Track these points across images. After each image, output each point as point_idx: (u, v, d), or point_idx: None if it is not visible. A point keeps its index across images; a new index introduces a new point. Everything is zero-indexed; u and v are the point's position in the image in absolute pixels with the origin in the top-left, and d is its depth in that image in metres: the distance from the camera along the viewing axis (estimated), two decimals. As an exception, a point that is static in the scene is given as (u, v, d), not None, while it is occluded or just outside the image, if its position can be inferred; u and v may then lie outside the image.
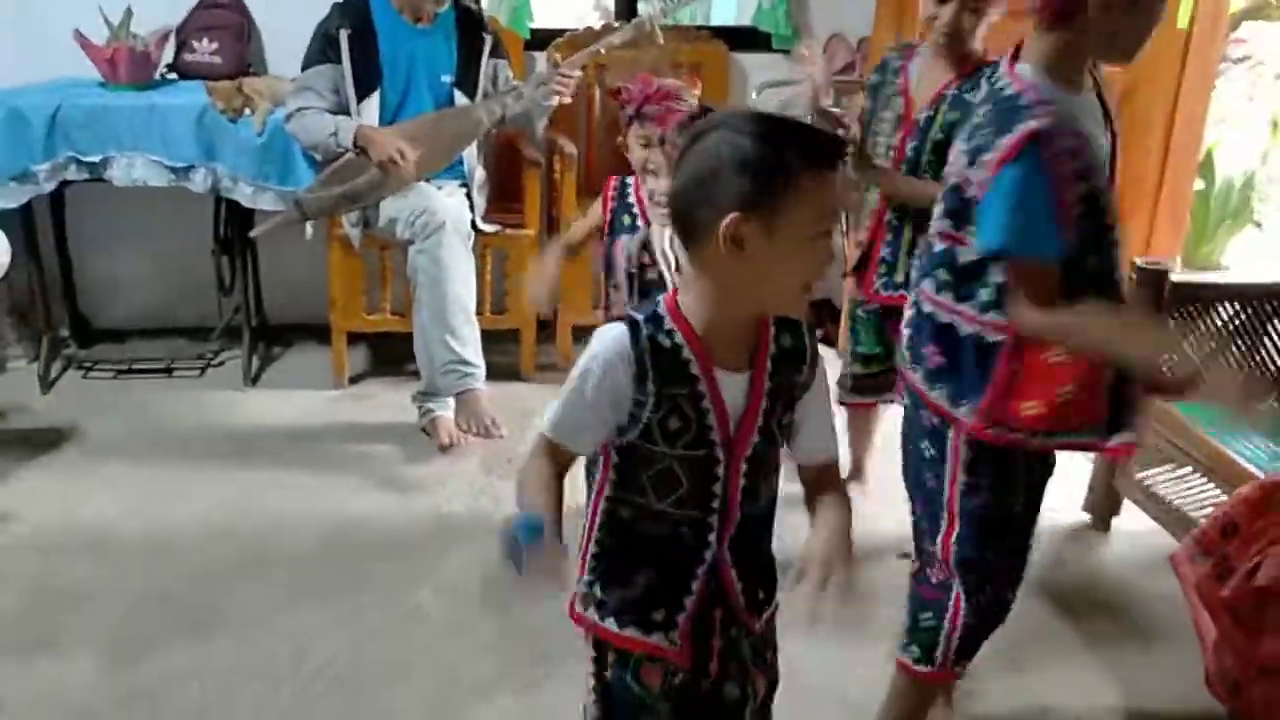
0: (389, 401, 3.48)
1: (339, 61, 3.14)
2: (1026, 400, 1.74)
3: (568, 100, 3.25)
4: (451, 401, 3.21)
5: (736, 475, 1.40)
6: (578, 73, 3.23)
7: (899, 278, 2.58)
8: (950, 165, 1.80)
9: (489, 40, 3.32)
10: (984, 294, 1.73)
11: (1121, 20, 1.66)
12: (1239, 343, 2.81)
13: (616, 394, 1.34)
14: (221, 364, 3.68)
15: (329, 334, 3.56)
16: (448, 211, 3.09)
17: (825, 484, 1.47)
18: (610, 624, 1.44)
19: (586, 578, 1.47)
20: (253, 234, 3.25)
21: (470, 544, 2.75)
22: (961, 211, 1.75)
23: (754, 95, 3.97)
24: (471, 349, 3.11)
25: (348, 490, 2.97)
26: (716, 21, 4.85)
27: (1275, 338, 2.82)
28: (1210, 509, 2.57)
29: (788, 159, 1.25)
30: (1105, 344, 1.68)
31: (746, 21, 4.09)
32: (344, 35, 3.13)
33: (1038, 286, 1.66)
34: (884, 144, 2.59)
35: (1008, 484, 1.85)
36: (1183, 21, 3.50)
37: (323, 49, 3.15)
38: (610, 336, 1.36)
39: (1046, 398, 1.73)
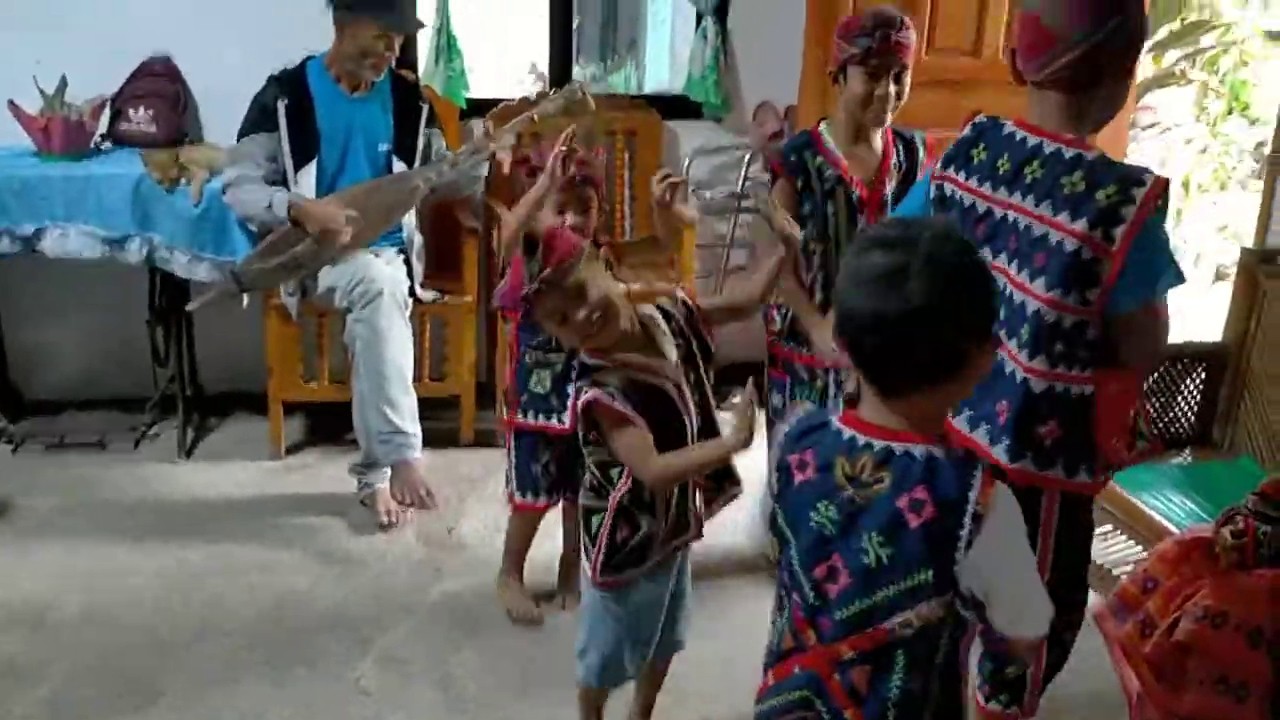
0: (327, 472, 3.47)
1: (275, 131, 3.16)
2: (1111, 437, 1.90)
3: (505, 169, 3.30)
4: (388, 474, 3.20)
5: None
6: (512, 139, 3.28)
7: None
8: (1050, 237, 1.80)
9: (425, 109, 3.37)
10: (1086, 352, 1.85)
11: (1117, 88, 1.83)
12: (1152, 401, 2.91)
13: None
14: (156, 436, 3.64)
15: (263, 404, 3.54)
16: (385, 279, 3.11)
17: None
18: None
19: None
20: (190, 308, 3.23)
21: (410, 617, 2.75)
22: (1082, 275, 1.78)
23: (686, 162, 4.06)
24: (408, 418, 3.12)
25: (288, 563, 2.95)
26: (650, 88, 4.96)
27: (1187, 395, 2.94)
28: (1131, 565, 2.67)
29: None
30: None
31: (677, 88, 4.18)
32: (281, 105, 3.15)
33: (1167, 319, 1.84)
34: (837, 235, 2.61)
35: (1089, 527, 2.11)
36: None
37: (259, 118, 3.17)
38: None
39: (1122, 428, 1.92)
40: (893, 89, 2.54)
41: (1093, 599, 2.68)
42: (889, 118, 2.60)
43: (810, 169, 2.61)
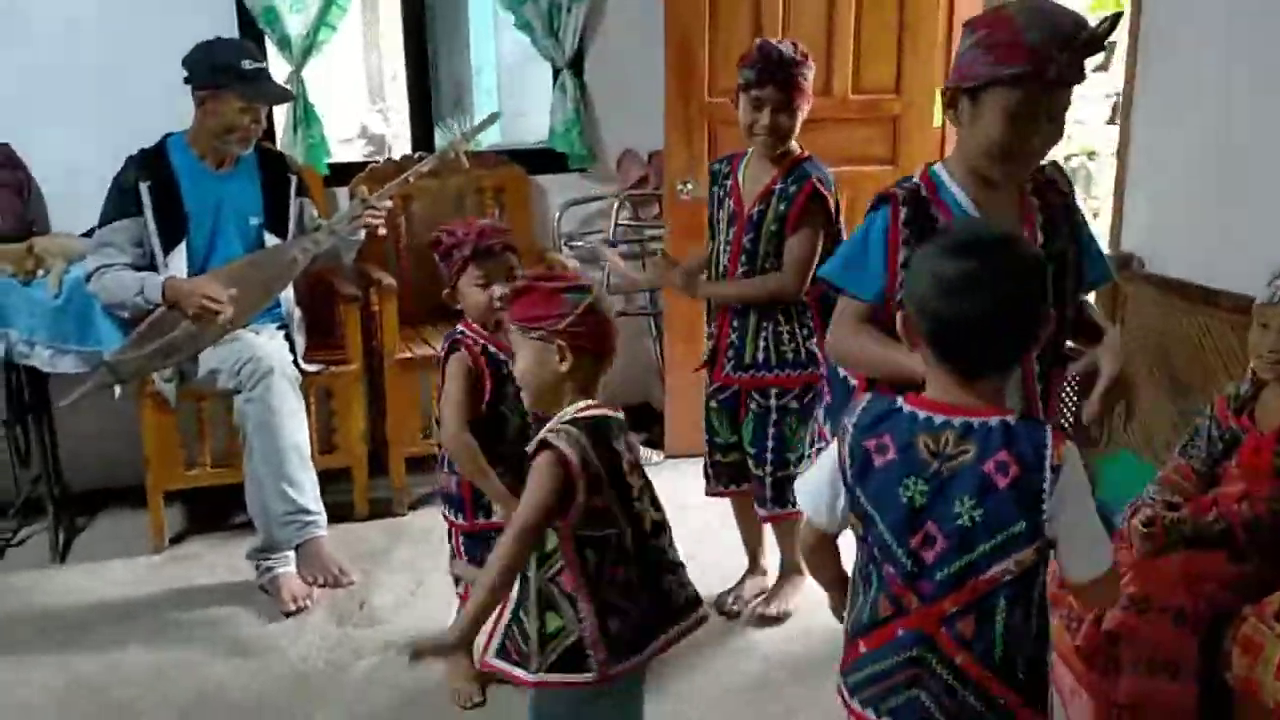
0: (217, 560, 3.31)
1: (140, 214, 3.03)
2: None
3: (383, 232, 3.25)
4: (292, 555, 3.08)
5: None
6: (388, 203, 3.24)
7: (747, 359, 2.76)
8: None
9: (294, 179, 3.29)
10: None
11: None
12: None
13: None
14: (22, 542, 3.40)
15: (139, 496, 3.36)
16: (273, 356, 3.01)
17: None
18: None
19: None
20: (64, 403, 3.03)
21: (335, 701, 2.64)
22: None
23: (556, 215, 4.08)
24: (310, 496, 3.02)
25: (196, 661, 2.80)
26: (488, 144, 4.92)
27: (1065, 397, 3.10)
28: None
29: None
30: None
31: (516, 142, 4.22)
32: (144, 187, 3.03)
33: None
34: (719, 241, 2.81)
35: None
36: (937, 120, 3.88)
37: (122, 203, 3.04)
38: None
39: None
40: (770, 120, 2.64)
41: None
42: (777, 147, 2.69)
43: (720, 177, 2.82)
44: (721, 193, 2.80)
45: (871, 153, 3.85)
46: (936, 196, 1.85)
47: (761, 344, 2.75)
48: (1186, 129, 2.91)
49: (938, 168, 1.90)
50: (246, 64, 3.02)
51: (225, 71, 3.00)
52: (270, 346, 3.07)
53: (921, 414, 1.49)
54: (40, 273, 3.12)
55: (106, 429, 3.46)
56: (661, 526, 1.88)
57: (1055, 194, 1.91)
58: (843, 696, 1.60)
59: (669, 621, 1.87)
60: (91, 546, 3.42)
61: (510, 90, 5.99)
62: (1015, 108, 1.72)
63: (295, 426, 3.00)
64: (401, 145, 5.39)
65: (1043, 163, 1.89)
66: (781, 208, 2.70)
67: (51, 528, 3.36)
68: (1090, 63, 1.72)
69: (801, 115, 2.69)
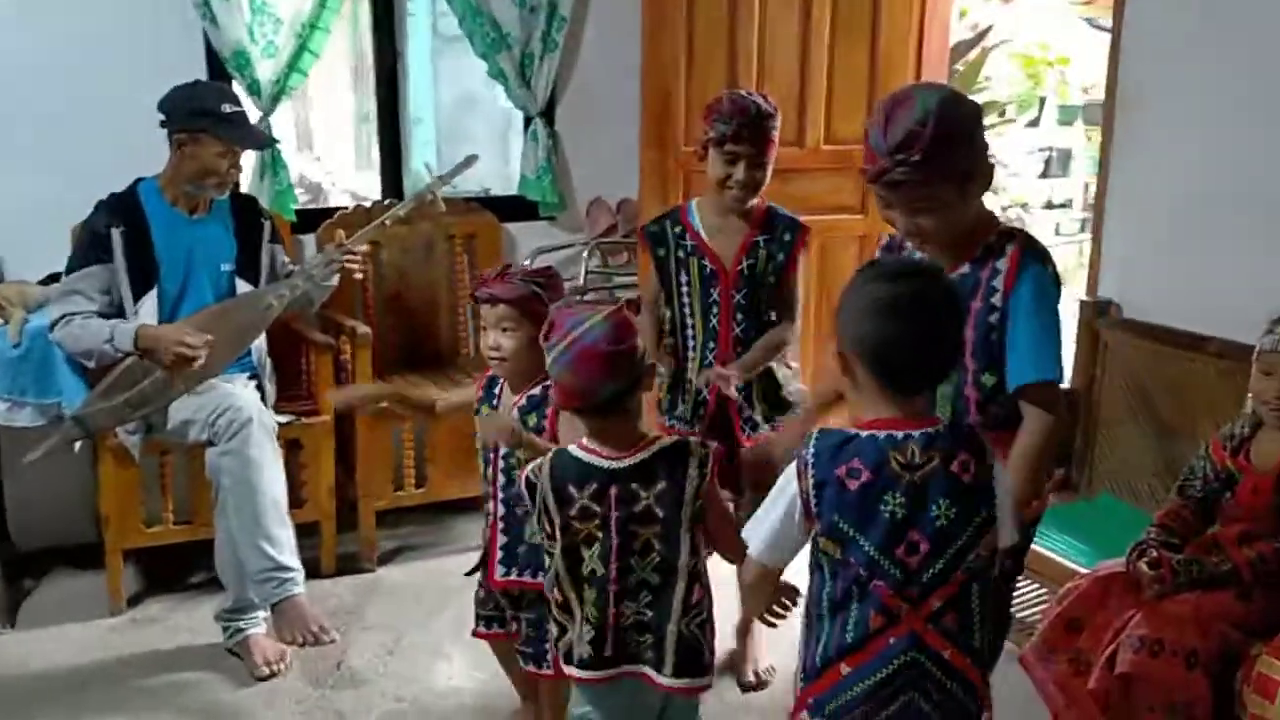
0: (180, 622, 3.17)
1: (111, 261, 2.93)
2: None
3: (359, 276, 3.19)
4: (262, 615, 2.95)
5: None
6: (364, 247, 3.18)
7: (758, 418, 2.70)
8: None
9: (267, 225, 3.21)
10: None
11: None
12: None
13: None
14: (-31, 606, 3.23)
15: (91, 555, 3.23)
16: (250, 406, 2.91)
17: None
18: None
19: None
20: (29, 459, 2.87)
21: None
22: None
23: (527, 264, 4.03)
24: (288, 552, 2.90)
25: (165, 730, 2.66)
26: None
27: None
28: (1033, 606, 2.79)
29: None
30: None
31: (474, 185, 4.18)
32: (116, 233, 2.93)
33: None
34: (691, 303, 2.71)
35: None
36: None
37: (91, 249, 2.93)
38: None
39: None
40: (745, 174, 2.60)
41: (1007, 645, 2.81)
42: (750, 200, 2.66)
43: (669, 238, 2.71)
44: (682, 252, 2.70)
45: (843, 202, 3.89)
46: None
47: (759, 397, 2.70)
48: (1162, 180, 2.98)
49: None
50: (227, 107, 2.96)
51: (206, 115, 2.93)
52: (247, 396, 2.97)
53: (882, 434, 1.59)
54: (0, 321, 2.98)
55: (53, 486, 3.32)
56: (603, 581, 1.82)
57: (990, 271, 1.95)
58: None
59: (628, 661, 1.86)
60: (43, 610, 3.24)
61: (450, 139, 5.97)
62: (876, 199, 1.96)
63: (273, 479, 2.89)
64: (338, 194, 5.36)
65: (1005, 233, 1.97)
66: (780, 257, 2.68)
67: (1, 590, 3.18)
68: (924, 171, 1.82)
69: (771, 168, 2.65)
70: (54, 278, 3.23)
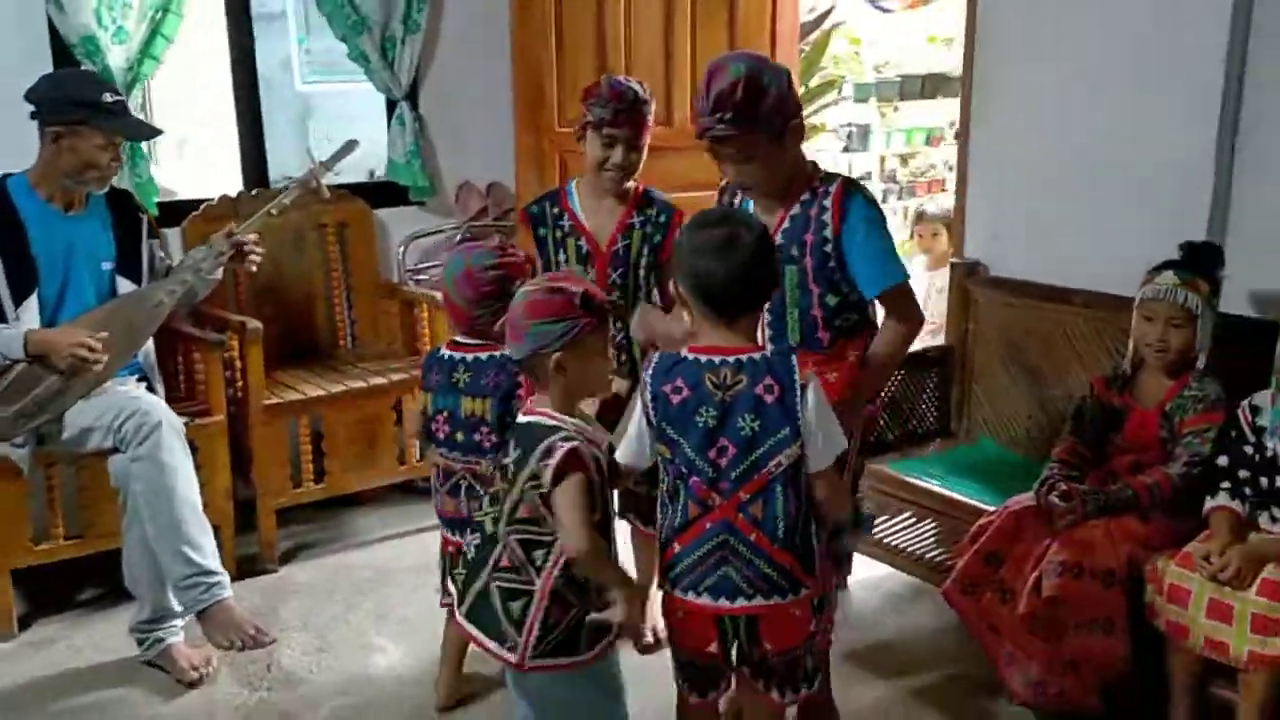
0: (80, 641, 3.01)
1: None
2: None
3: (255, 268, 3.10)
4: (180, 624, 2.85)
5: None
6: (253, 236, 3.08)
7: None
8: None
9: (144, 220, 3.06)
10: None
11: None
12: (900, 405, 3.32)
13: None
14: None
15: None
16: (158, 408, 2.78)
17: None
18: None
19: None
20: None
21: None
22: None
23: (400, 249, 3.99)
24: (211, 556, 2.80)
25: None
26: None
27: (928, 395, 3.37)
28: (933, 545, 3.02)
29: None
30: None
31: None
32: None
33: None
34: None
35: None
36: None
37: None
38: None
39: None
40: (622, 157, 2.69)
41: (905, 582, 3.04)
42: (626, 182, 2.75)
43: (548, 218, 2.81)
44: (560, 233, 2.79)
45: (709, 178, 3.98)
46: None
47: None
48: (1019, 148, 3.25)
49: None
50: (108, 97, 2.80)
51: (85, 106, 2.76)
52: (151, 399, 2.84)
53: (703, 358, 1.90)
54: None
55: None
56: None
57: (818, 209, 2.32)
58: (668, 594, 1.97)
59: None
60: (-85, 643, 3.01)
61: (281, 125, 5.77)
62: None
63: (189, 483, 2.78)
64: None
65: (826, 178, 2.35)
66: (657, 238, 2.77)
67: None
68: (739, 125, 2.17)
69: (645, 151, 2.75)
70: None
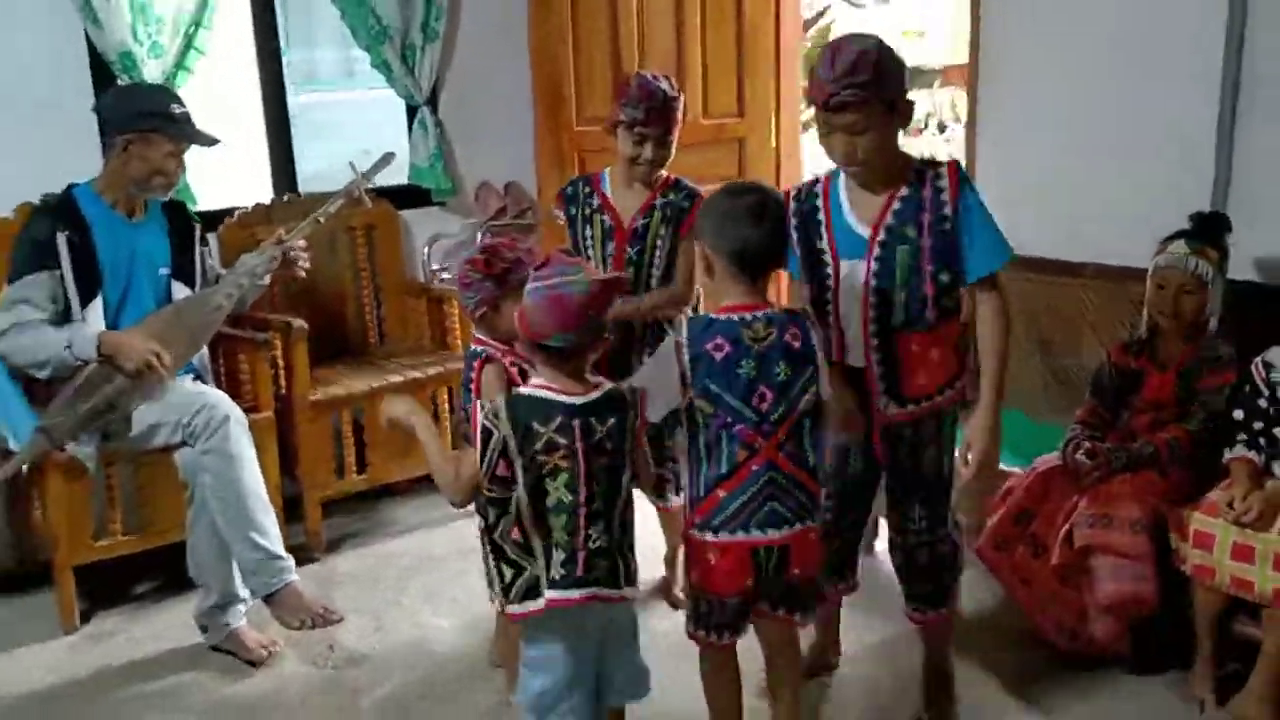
0: (141, 632, 3.11)
1: (57, 267, 2.84)
2: None
3: (304, 273, 3.21)
4: (245, 610, 2.96)
5: None
6: (302, 242, 3.20)
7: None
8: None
9: (197, 228, 3.18)
10: None
11: None
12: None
13: None
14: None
15: (29, 577, 3.18)
16: (224, 403, 2.90)
17: None
18: None
19: None
20: None
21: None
22: None
23: (425, 250, 4.12)
24: (278, 542, 2.92)
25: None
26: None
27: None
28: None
29: None
30: None
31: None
32: (61, 239, 2.84)
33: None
34: (593, 258, 2.90)
35: None
36: (772, 142, 4.27)
37: (35, 256, 2.83)
38: None
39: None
40: (653, 153, 2.82)
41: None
42: (656, 174, 2.88)
43: (580, 196, 2.95)
44: (588, 210, 2.92)
45: (721, 173, 4.16)
46: (827, 190, 2.37)
47: (647, 354, 2.85)
48: (1026, 134, 3.42)
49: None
50: (175, 108, 2.93)
51: (156, 115, 2.89)
52: (216, 394, 2.96)
53: (735, 316, 2.10)
54: (-72, 341, 2.83)
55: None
56: (572, 507, 1.96)
57: (932, 190, 2.30)
58: (702, 542, 2.12)
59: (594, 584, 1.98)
60: (-17, 640, 3.10)
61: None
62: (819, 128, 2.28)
63: (254, 473, 2.90)
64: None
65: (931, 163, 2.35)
66: (678, 219, 2.87)
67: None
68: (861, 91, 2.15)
69: (675, 145, 2.87)
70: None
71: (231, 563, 2.90)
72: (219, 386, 3.35)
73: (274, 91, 3.92)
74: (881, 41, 2.22)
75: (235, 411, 2.92)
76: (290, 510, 3.46)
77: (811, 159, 4.64)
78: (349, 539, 3.66)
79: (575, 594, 1.96)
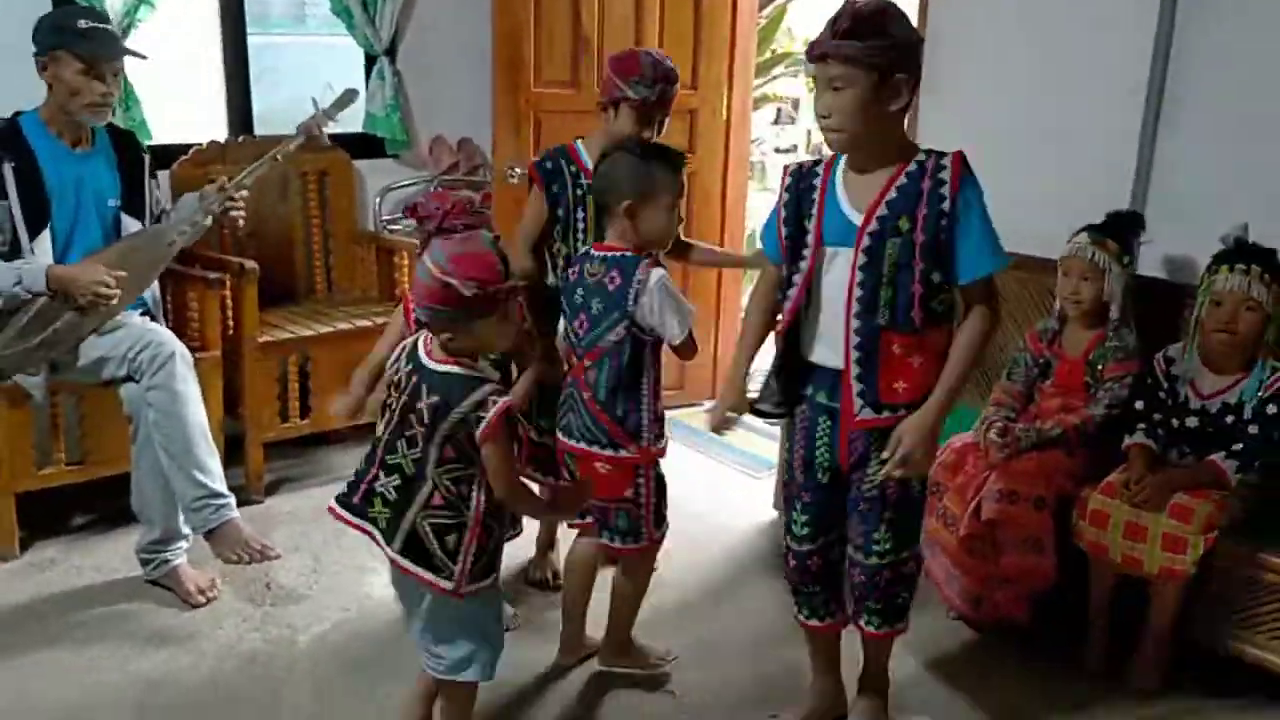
0: (81, 562, 3.18)
1: (3, 198, 2.87)
2: None
3: (240, 223, 3.25)
4: (186, 547, 3.03)
5: None
6: (244, 193, 3.23)
7: None
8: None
9: (146, 160, 3.20)
10: None
11: None
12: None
13: None
14: None
15: None
16: (170, 340, 2.95)
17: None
18: None
19: None
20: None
21: (298, 673, 2.70)
22: None
23: (376, 200, 4.17)
24: (219, 479, 2.98)
25: (125, 654, 2.73)
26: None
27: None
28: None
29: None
30: None
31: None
32: (7, 169, 2.87)
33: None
34: (586, 237, 2.84)
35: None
36: (722, 115, 4.37)
37: None
38: None
39: None
40: (656, 133, 2.83)
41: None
42: None
43: (566, 175, 2.85)
44: (579, 191, 2.84)
45: (672, 141, 4.19)
46: (828, 170, 2.22)
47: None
48: (960, 122, 3.55)
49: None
50: (83, 23, 2.91)
51: (61, 32, 2.89)
52: (164, 331, 3.00)
53: (593, 252, 2.47)
54: (-122, 267, 2.85)
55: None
56: (376, 444, 2.17)
57: (932, 181, 2.11)
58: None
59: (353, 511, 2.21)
60: (-85, 562, 3.14)
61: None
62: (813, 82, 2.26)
63: (198, 410, 2.96)
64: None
65: (935, 152, 2.15)
66: None
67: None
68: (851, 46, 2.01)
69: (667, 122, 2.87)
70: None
71: (175, 499, 2.97)
72: (167, 324, 3.41)
73: (233, 29, 3.93)
74: (897, 10, 2.07)
75: (181, 349, 2.97)
76: (231, 451, 3.52)
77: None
78: (288, 482, 3.74)
79: (342, 512, 2.19)
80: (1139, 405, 2.76)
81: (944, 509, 2.88)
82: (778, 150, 8.51)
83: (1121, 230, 2.92)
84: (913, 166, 2.13)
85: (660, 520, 2.59)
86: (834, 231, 2.17)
